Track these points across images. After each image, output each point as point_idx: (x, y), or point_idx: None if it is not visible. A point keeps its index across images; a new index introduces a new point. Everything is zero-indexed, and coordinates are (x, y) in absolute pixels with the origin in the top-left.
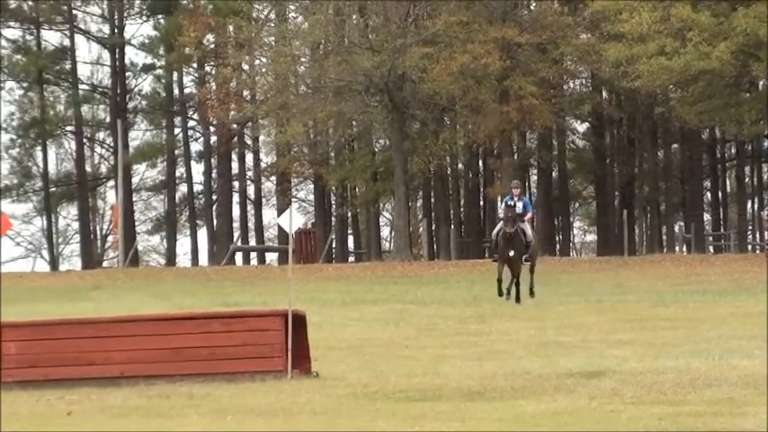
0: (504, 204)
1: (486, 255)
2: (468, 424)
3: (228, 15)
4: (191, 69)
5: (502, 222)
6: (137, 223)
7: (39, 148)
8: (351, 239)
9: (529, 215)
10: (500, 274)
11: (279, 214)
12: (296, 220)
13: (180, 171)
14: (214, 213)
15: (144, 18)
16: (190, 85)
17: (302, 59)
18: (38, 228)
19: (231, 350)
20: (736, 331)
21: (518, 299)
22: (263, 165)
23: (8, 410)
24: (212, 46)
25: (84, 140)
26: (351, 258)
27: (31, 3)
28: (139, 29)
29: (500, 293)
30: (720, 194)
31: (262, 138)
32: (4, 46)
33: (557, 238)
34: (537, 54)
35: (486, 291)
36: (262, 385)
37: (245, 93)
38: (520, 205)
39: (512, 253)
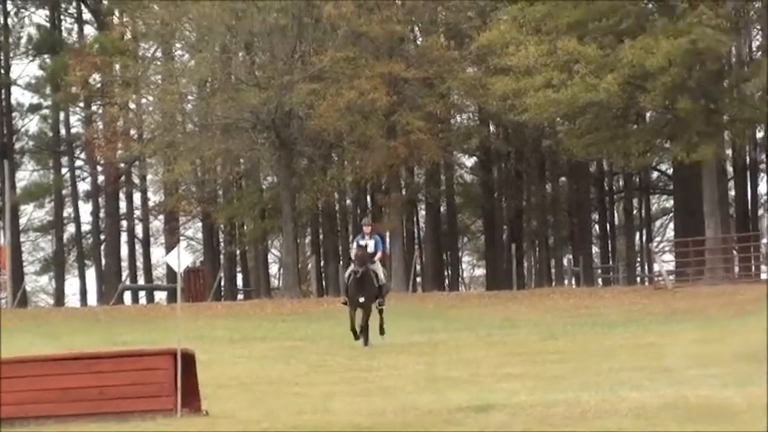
0: (355, 244)
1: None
2: None
3: (115, 54)
4: (77, 109)
5: (352, 263)
6: (25, 264)
7: None
8: (240, 277)
9: (379, 254)
10: (353, 320)
11: (167, 253)
12: (184, 258)
13: (68, 211)
14: (102, 253)
15: (30, 58)
16: (77, 125)
17: (189, 97)
18: None
19: (121, 389)
20: (625, 363)
21: (366, 342)
22: (150, 203)
23: None
24: (99, 85)
25: None
26: (240, 296)
27: None
28: (25, 68)
29: (356, 337)
30: (608, 227)
31: (149, 176)
32: None
33: (445, 273)
34: (424, 89)
35: (375, 326)
36: (152, 424)
37: (133, 131)
38: (371, 244)
39: (362, 299)
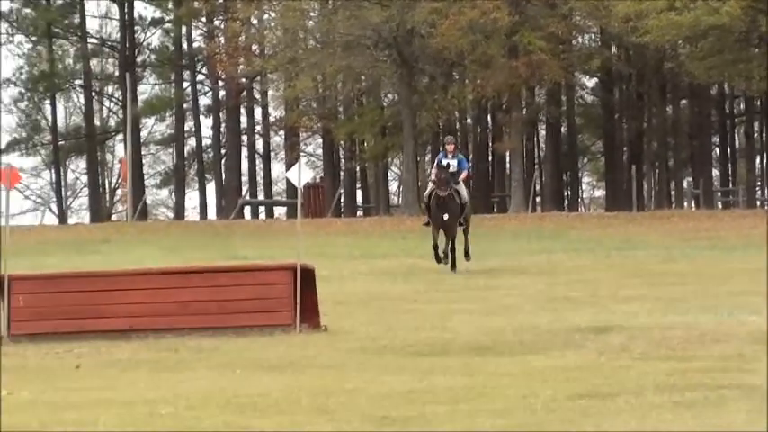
0: (436, 163)
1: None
2: (477, 379)
3: None
4: (199, 24)
5: (433, 184)
6: (145, 177)
7: (47, 101)
8: (359, 194)
9: (464, 174)
10: (435, 239)
11: (287, 168)
12: (305, 174)
13: (189, 125)
14: (223, 168)
15: None
16: (198, 40)
17: (311, 14)
18: (46, 181)
19: (240, 304)
20: (744, 287)
21: (453, 265)
22: (271, 119)
23: (17, 363)
24: (221, 0)
25: (93, 94)
26: (359, 213)
27: None
28: None
29: (437, 260)
30: (729, 150)
31: (270, 92)
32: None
33: (565, 193)
34: (546, 9)
35: (495, 245)
36: (270, 339)
37: (254, 47)
38: (454, 163)
39: (446, 217)
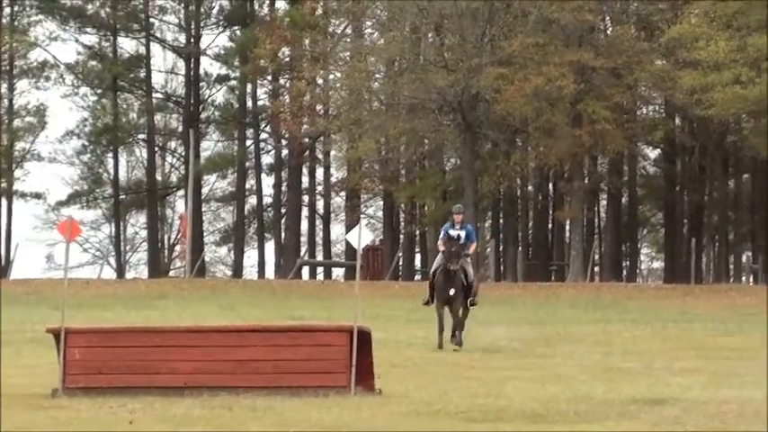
0: (443, 234)
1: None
2: None
3: (305, 29)
4: (265, 82)
5: (441, 257)
6: (205, 234)
7: (110, 154)
8: (418, 257)
9: (473, 246)
10: (441, 317)
11: (347, 230)
12: (364, 236)
13: (250, 183)
14: (282, 227)
15: (220, 29)
16: (263, 98)
17: (377, 75)
18: (106, 235)
19: (296, 364)
20: None
21: (460, 342)
22: (333, 180)
23: (71, 416)
24: (287, 59)
25: (156, 149)
26: (417, 276)
27: (108, 10)
28: (215, 39)
29: (440, 343)
30: None
31: (333, 153)
32: (80, 51)
33: (623, 264)
34: (611, 78)
35: (552, 313)
36: (325, 400)
37: (319, 107)
38: (462, 234)
39: (452, 291)
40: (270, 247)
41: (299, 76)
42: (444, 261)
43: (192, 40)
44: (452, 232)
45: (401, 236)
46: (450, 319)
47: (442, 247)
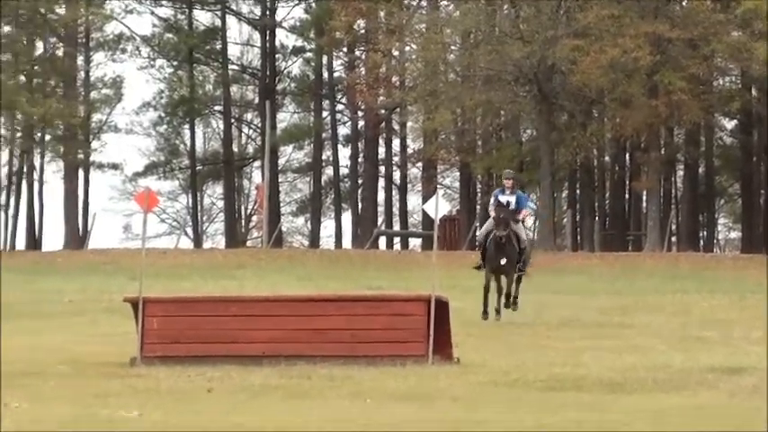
0: (494, 200)
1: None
2: (609, 416)
3: (380, 1)
4: (340, 53)
5: (491, 222)
6: (281, 204)
7: (186, 126)
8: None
9: (524, 212)
10: (488, 282)
11: (424, 200)
12: (441, 206)
13: (326, 154)
14: (359, 197)
15: (296, 1)
16: (339, 69)
17: (452, 47)
18: (183, 205)
19: (373, 333)
20: None
21: (508, 304)
22: (409, 151)
23: (149, 385)
24: (363, 31)
25: (232, 120)
26: None
27: None
28: (291, 11)
29: (484, 310)
30: None
31: (409, 124)
32: (156, 24)
33: (700, 234)
34: (687, 50)
35: (629, 283)
36: (402, 370)
37: (395, 78)
38: (513, 200)
39: (503, 261)
40: (347, 217)
41: (374, 48)
42: (494, 228)
43: (268, 13)
44: (502, 198)
45: (477, 206)
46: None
47: (492, 213)
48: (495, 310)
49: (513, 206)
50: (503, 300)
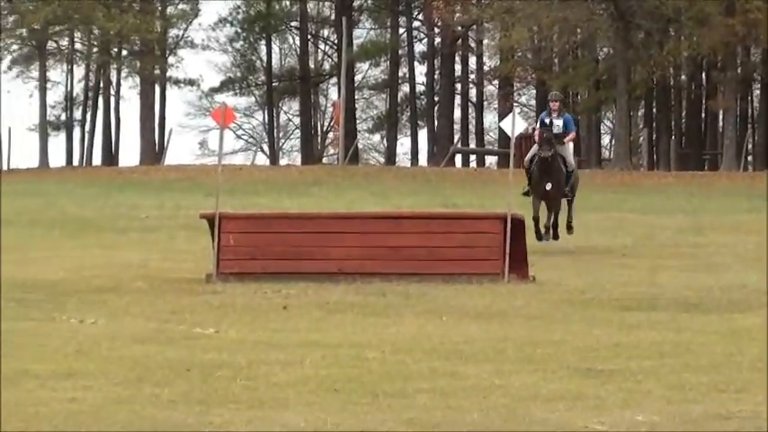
0: (539, 123)
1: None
2: (684, 335)
3: None
4: None
5: (536, 146)
6: (358, 121)
7: (263, 42)
8: (571, 146)
9: (571, 135)
10: (536, 210)
11: (500, 118)
12: (518, 124)
13: (402, 71)
14: (435, 114)
15: None
16: None
17: None
18: (259, 122)
19: (449, 251)
20: None
21: (556, 236)
22: (485, 68)
23: (225, 302)
24: None
25: (309, 37)
26: None
27: None
28: None
29: (538, 236)
30: None
31: (486, 41)
32: None
33: None
34: None
35: (705, 202)
36: (478, 287)
37: None
38: (559, 123)
39: (549, 186)
40: (423, 134)
41: None
42: (540, 150)
43: None
44: (548, 120)
45: None
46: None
47: (536, 136)
48: (545, 229)
49: (560, 129)
50: (553, 219)
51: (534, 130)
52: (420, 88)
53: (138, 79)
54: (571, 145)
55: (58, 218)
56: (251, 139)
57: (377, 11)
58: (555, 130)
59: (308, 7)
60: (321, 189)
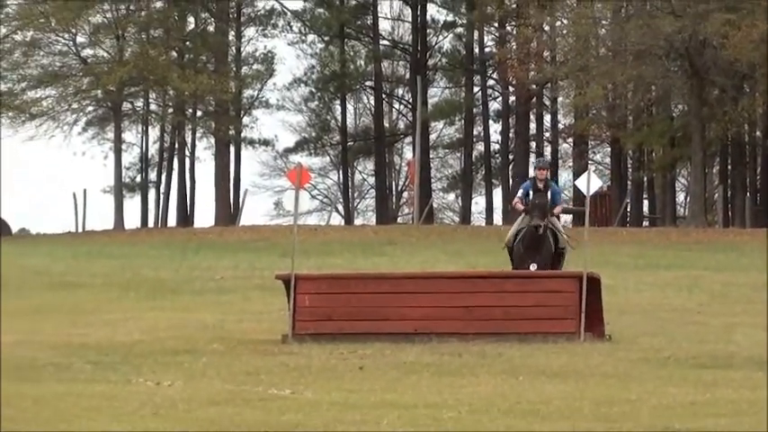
0: (521, 192)
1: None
2: (759, 393)
3: None
4: (491, 28)
5: (520, 219)
6: (432, 180)
7: (337, 102)
8: (646, 204)
9: (559, 208)
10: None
11: (575, 176)
12: (593, 182)
13: (477, 129)
14: (510, 173)
15: None
16: (490, 44)
17: (603, 22)
18: (333, 182)
19: (525, 310)
20: None
21: None
22: (560, 126)
23: (301, 363)
24: (514, 5)
25: (383, 96)
26: (645, 223)
27: None
28: None
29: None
30: None
31: (560, 99)
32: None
33: None
34: None
35: None
36: (554, 346)
37: (546, 53)
38: (547, 195)
39: (534, 267)
40: (498, 193)
41: (525, 23)
42: (532, 219)
43: None
44: (531, 193)
45: (629, 182)
46: None
47: (519, 206)
48: None
49: (547, 203)
50: None
51: (518, 200)
52: (494, 147)
53: (212, 140)
54: (558, 221)
55: (134, 280)
56: (326, 200)
57: (451, 70)
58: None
59: (383, 66)
60: (396, 249)
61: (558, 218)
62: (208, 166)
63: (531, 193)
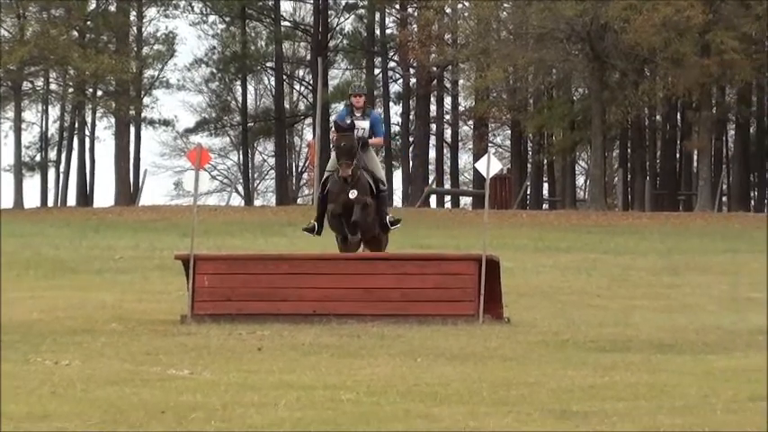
0: (335, 123)
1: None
2: (658, 376)
3: None
4: (393, 10)
5: (333, 158)
6: None
7: (238, 82)
8: (546, 187)
9: (378, 140)
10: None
11: (475, 159)
12: (493, 165)
13: (378, 111)
14: (410, 155)
15: None
16: (391, 27)
17: (505, 5)
18: (234, 162)
19: (424, 292)
20: None
21: None
22: (461, 109)
23: (200, 343)
24: None
25: (284, 77)
26: (545, 206)
27: None
28: None
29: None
30: None
31: (461, 82)
32: None
33: (752, 195)
34: (740, 9)
35: (679, 243)
36: (453, 329)
37: (447, 36)
38: (365, 125)
39: (356, 236)
40: (398, 175)
41: (427, 5)
42: (339, 166)
43: None
44: (349, 120)
45: (529, 165)
46: None
47: (332, 139)
48: None
49: (365, 133)
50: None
51: (331, 132)
52: (395, 129)
53: (113, 120)
54: (374, 154)
55: (33, 259)
56: (226, 180)
57: (352, 51)
58: (358, 134)
59: (284, 48)
60: (296, 230)
61: (378, 152)
62: (108, 145)
63: (341, 120)
